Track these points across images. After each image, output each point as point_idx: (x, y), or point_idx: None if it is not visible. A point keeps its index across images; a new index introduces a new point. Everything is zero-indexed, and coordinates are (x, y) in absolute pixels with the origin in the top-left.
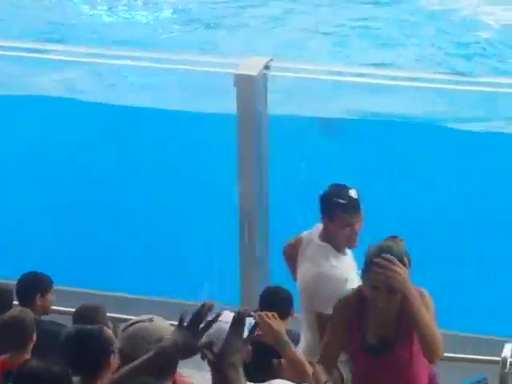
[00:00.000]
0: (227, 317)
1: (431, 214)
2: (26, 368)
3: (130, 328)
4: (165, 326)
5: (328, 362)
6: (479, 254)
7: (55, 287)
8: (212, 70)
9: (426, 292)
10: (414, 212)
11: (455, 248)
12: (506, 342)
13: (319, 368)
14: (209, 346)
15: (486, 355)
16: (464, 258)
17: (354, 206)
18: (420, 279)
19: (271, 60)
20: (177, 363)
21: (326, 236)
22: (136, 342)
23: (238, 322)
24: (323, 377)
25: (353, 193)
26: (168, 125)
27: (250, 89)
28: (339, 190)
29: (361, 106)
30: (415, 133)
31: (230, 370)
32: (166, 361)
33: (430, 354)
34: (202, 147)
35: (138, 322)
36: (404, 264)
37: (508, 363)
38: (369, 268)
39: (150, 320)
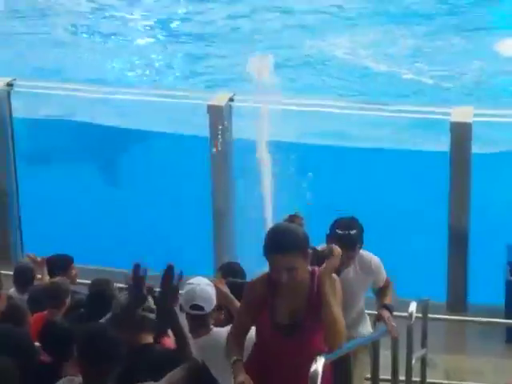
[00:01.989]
0: (199, 280)
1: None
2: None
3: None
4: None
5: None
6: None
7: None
8: (192, 101)
9: (335, 276)
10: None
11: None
12: (411, 301)
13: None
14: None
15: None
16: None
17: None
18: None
19: (234, 94)
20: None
21: None
22: None
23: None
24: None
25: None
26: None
27: (218, 115)
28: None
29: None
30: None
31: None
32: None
33: (330, 339)
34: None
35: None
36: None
37: (413, 317)
38: (267, 255)
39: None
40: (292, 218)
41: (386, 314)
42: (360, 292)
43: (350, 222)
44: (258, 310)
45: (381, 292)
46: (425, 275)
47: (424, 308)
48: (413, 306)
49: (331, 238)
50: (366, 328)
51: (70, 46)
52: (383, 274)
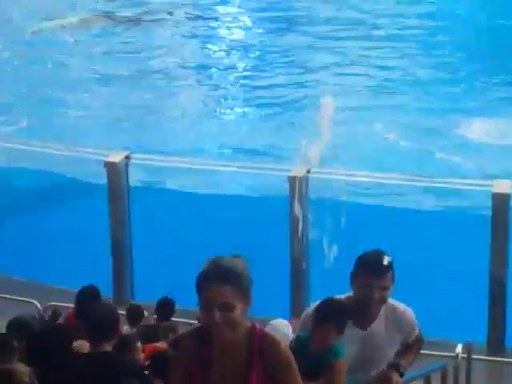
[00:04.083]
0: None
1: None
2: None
3: None
4: None
5: None
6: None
7: None
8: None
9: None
10: None
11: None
12: (457, 344)
13: None
14: None
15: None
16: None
17: None
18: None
19: (131, 153)
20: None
21: None
22: None
23: None
24: None
25: None
26: None
27: (115, 170)
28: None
29: None
30: None
31: None
32: None
33: None
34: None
35: None
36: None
37: (460, 357)
38: (201, 286)
39: None
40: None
41: (394, 376)
42: (388, 351)
43: (378, 253)
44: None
45: (403, 349)
46: (468, 321)
47: (469, 350)
48: (459, 348)
49: (357, 272)
50: None
51: None
52: (416, 331)
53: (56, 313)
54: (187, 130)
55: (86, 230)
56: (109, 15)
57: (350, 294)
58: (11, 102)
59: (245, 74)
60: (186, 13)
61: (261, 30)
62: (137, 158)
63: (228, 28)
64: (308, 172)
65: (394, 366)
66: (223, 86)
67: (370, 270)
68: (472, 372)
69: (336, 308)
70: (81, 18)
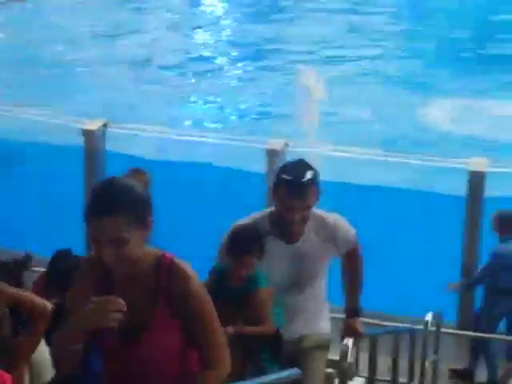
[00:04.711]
0: None
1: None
2: None
3: None
4: None
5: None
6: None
7: None
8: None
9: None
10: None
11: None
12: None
13: None
14: None
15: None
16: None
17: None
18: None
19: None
20: None
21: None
22: None
23: None
24: None
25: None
26: None
27: (92, 138)
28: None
29: None
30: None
31: None
32: None
33: (208, 363)
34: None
35: None
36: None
37: (429, 325)
38: (86, 220)
39: None
40: (133, 173)
41: (358, 326)
42: (320, 266)
43: (299, 166)
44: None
45: (348, 281)
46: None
47: (438, 319)
48: (429, 316)
49: (277, 188)
50: (327, 323)
51: None
52: (350, 243)
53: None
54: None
55: (61, 196)
56: None
57: (272, 208)
58: None
59: None
60: None
61: None
62: (114, 126)
63: None
64: (286, 145)
65: (354, 313)
66: None
67: (290, 190)
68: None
69: (251, 235)
70: None
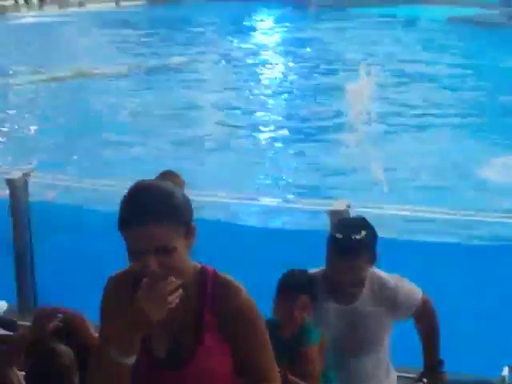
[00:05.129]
0: None
1: None
2: None
3: None
4: None
5: None
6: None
7: None
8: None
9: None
10: None
11: None
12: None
13: None
14: None
15: None
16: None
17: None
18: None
19: (32, 171)
20: None
21: None
22: None
23: None
24: None
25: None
26: None
27: (15, 187)
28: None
29: None
30: None
31: None
32: None
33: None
34: None
35: None
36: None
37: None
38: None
39: None
40: (165, 176)
41: (442, 377)
42: (379, 332)
43: (352, 224)
44: None
45: (424, 342)
46: None
47: None
48: (506, 371)
49: (327, 246)
50: None
51: None
52: (413, 308)
53: None
54: None
55: None
56: None
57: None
58: None
59: None
60: None
61: None
62: (36, 175)
63: None
64: (348, 207)
65: (436, 364)
66: None
67: (338, 249)
68: None
69: (302, 278)
70: None
